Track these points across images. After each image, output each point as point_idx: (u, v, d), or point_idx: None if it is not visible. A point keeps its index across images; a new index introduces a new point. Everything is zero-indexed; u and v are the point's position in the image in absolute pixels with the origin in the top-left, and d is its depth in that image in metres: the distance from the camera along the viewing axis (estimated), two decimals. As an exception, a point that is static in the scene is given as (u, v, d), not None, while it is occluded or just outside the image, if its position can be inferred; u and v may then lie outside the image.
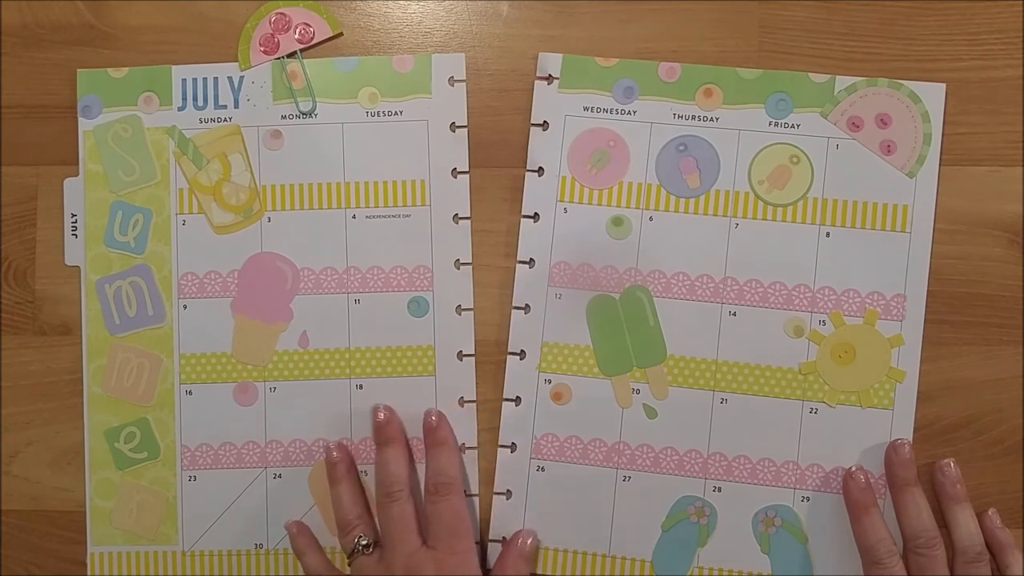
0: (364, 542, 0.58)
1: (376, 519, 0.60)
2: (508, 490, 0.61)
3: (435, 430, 0.61)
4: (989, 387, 0.61)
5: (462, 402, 0.62)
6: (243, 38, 0.63)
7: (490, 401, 0.62)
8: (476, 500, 0.62)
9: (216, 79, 0.63)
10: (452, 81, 0.63)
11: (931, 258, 0.61)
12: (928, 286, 0.61)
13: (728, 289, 0.61)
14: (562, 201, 0.62)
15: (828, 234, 0.61)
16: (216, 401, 0.63)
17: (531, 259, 0.62)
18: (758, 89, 0.61)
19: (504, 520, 0.62)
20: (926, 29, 0.62)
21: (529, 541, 0.60)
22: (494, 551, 0.61)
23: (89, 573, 0.63)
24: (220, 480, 0.63)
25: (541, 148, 0.62)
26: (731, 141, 0.61)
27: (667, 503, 0.61)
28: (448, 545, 0.57)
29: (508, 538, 0.61)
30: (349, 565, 0.59)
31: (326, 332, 0.63)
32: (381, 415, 0.61)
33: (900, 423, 0.60)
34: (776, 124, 0.61)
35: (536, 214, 0.62)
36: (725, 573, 0.61)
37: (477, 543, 0.61)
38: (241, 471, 0.63)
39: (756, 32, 0.62)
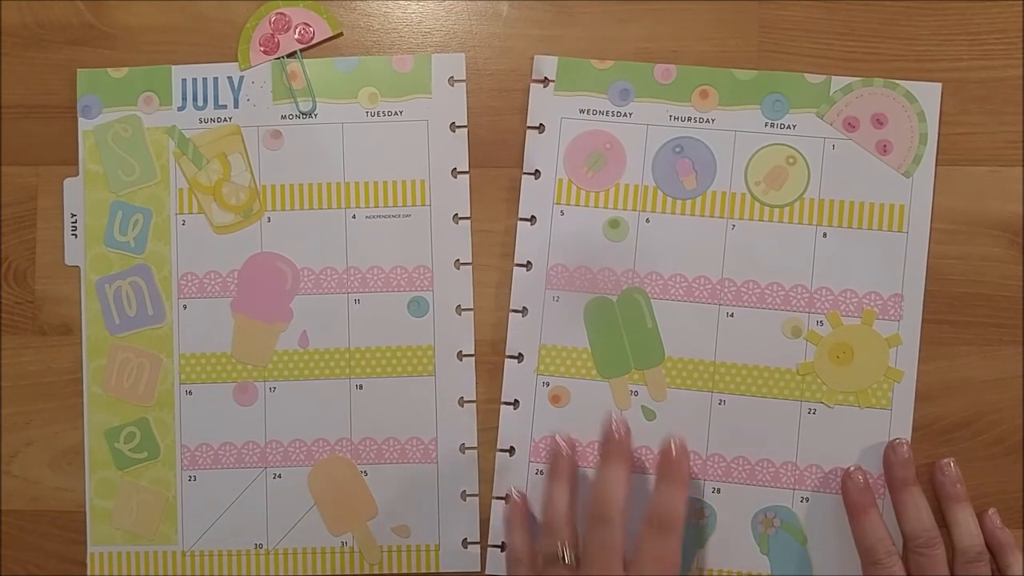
0: (567, 552, 0.57)
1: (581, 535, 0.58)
2: (507, 493, 0.63)
3: (672, 463, 0.58)
4: (989, 387, 0.63)
5: (462, 402, 0.64)
6: (243, 38, 0.65)
7: (488, 401, 0.64)
8: (476, 500, 0.64)
9: (216, 79, 0.65)
10: (452, 81, 0.65)
11: (931, 258, 0.63)
12: (928, 286, 0.63)
13: (725, 290, 0.63)
14: (559, 204, 0.64)
15: (825, 234, 0.63)
16: (216, 401, 0.65)
17: (528, 262, 0.64)
18: (754, 90, 0.63)
19: (503, 525, 0.63)
20: (926, 29, 0.64)
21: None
22: (493, 555, 0.63)
23: (89, 573, 0.65)
24: (220, 480, 0.65)
25: (537, 151, 0.64)
26: (727, 142, 0.63)
27: (667, 504, 0.63)
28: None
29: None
30: (544, 569, 0.58)
31: (326, 332, 0.65)
32: (616, 428, 0.59)
33: (898, 423, 0.62)
34: (772, 125, 0.63)
35: (533, 217, 0.64)
36: (725, 574, 0.62)
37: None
38: (241, 471, 0.65)
39: (755, 32, 0.64)
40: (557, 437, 0.62)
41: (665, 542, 0.56)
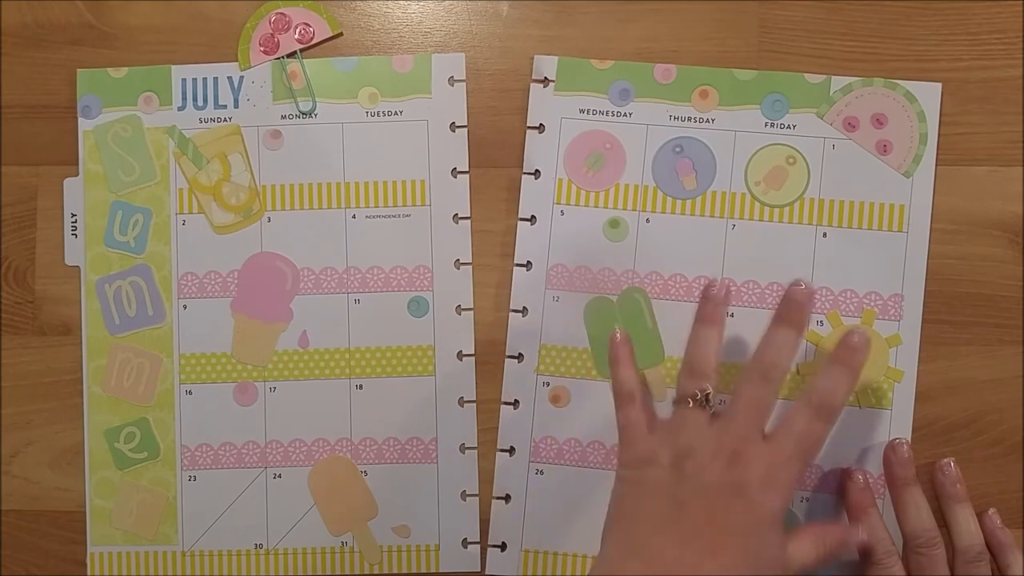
0: (709, 395, 0.54)
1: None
2: (507, 494, 0.64)
3: (849, 348, 0.54)
4: (989, 387, 0.63)
5: (462, 402, 0.64)
6: (243, 38, 0.65)
7: (488, 401, 0.65)
8: (476, 500, 0.64)
9: (216, 79, 0.66)
10: (452, 81, 0.65)
11: (931, 258, 0.63)
12: (928, 286, 0.63)
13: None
14: (559, 204, 0.64)
15: (825, 234, 0.63)
16: (216, 401, 0.65)
17: (528, 262, 0.64)
18: (754, 90, 0.64)
19: (503, 524, 0.64)
20: (926, 29, 0.64)
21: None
22: (494, 555, 0.64)
23: (89, 573, 0.65)
24: (220, 480, 0.65)
25: (537, 151, 0.64)
26: (727, 142, 0.64)
27: (667, 504, 0.64)
28: (787, 453, 0.52)
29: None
30: (674, 410, 0.55)
31: (326, 332, 0.65)
32: (801, 287, 0.54)
33: (898, 423, 0.63)
34: (772, 125, 0.64)
35: (533, 217, 0.64)
36: None
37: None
38: (241, 471, 0.65)
39: (756, 32, 0.64)
40: (713, 281, 0.59)
41: (816, 425, 0.53)
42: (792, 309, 0.55)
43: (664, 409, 0.62)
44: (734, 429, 0.53)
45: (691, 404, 0.54)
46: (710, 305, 0.57)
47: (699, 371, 0.55)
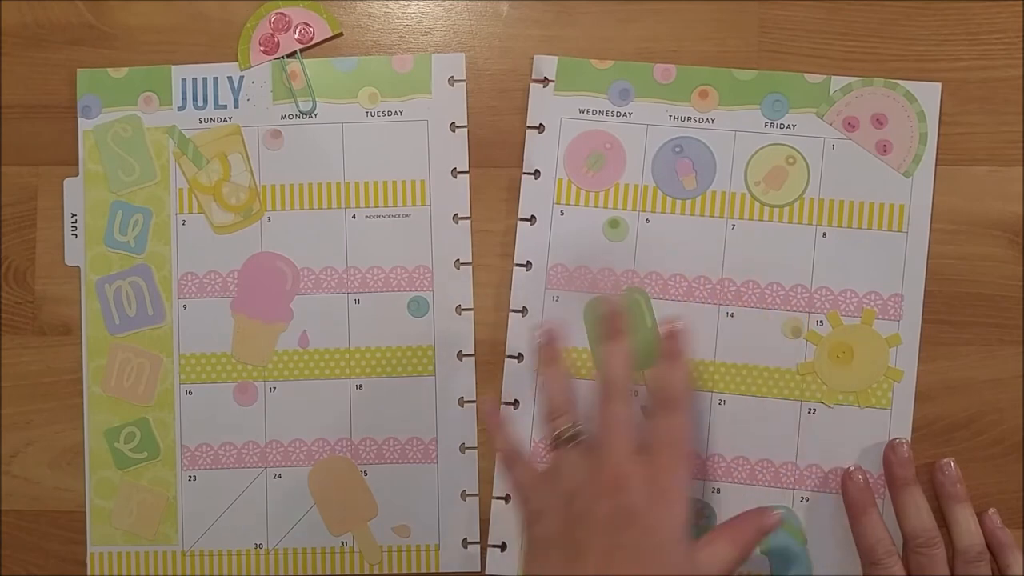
0: (574, 431, 0.55)
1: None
2: (507, 494, 0.64)
3: (669, 342, 0.56)
4: (989, 387, 0.64)
5: (462, 402, 0.65)
6: (243, 38, 0.65)
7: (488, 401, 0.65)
8: (476, 500, 0.64)
9: (216, 79, 0.66)
10: (452, 81, 0.65)
11: (931, 258, 0.63)
12: (928, 286, 0.63)
13: (725, 290, 0.63)
14: (559, 204, 0.64)
15: (825, 234, 0.63)
16: (216, 401, 0.65)
17: (528, 262, 0.64)
18: (754, 90, 0.64)
19: (503, 524, 0.64)
20: (925, 29, 0.64)
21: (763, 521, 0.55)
22: (494, 555, 0.64)
23: (89, 573, 0.65)
24: (220, 480, 0.65)
25: (537, 151, 0.65)
26: (727, 142, 0.64)
27: (666, 505, 0.64)
28: (665, 461, 0.53)
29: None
30: (551, 453, 0.56)
31: (326, 332, 0.65)
32: (612, 309, 0.57)
33: (898, 423, 0.63)
34: (772, 125, 0.64)
35: (533, 217, 0.64)
36: None
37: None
38: (241, 471, 0.65)
39: (756, 32, 0.64)
40: (540, 330, 0.60)
41: (675, 420, 0.54)
42: (608, 323, 0.56)
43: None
44: (607, 457, 0.53)
45: (563, 444, 0.55)
46: (546, 348, 0.59)
47: (557, 410, 0.56)
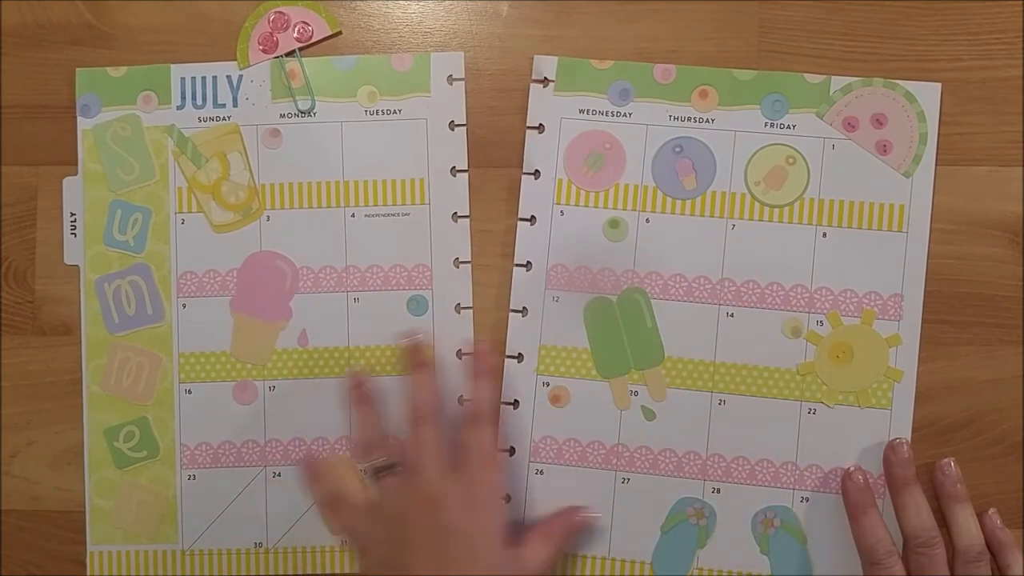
0: (388, 462, 0.59)
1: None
2: (507, 495, 0.64)
3: (475, 359, 0.63)
4: (989, 387, 0.64)
5: (462, 402, 0.64)
6: (242, 37, 0.66)
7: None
8: None
9: (215, 78, 0.66)
10: (451, 79, 0.65)
11: (931, 258, 0.63)
12: (928, 286, 0.63)
13: (725, 290, 0.63)
14: (559, 204, 0.64)
15: (825, 234, 0.63)
16: (215, 400, 0.65)
17: (528, 262, 0.64)
18: (754, 90, 0.64)
19: None
20: (926, 29, 0.64)
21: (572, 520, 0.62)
22: None
23: (89, 572, 0.65)
24: (219, 479, 0.65)
25: (537, 151, 0.65)
26: (727, 142, 0.64)
27: (666, 505, 0.63)
28: (476, 475, 0.58)
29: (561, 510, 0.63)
30: (373, 486, 0.60)
31: (325, 331, 0.65)
32: (411, 339, 0.64)
33: (898, 423, 0.63)
34: (772, 125, 0.64)
35: (533, 217, 0.64)
36: (724, 574, 0.63)
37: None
38: (241, 470, 0.65)
39: (756, 32, 0.64)
40: (351, 367, 0.65)
41: (479, 434, 0.59)
42: (411, 355, 0.63)
43: (664, 408, 0.63)
44: (421, 479, 0.58)
45: (381, 475, 0.59)
46: (357, 390, 0.64)
47: (372, 446, 0.61)
